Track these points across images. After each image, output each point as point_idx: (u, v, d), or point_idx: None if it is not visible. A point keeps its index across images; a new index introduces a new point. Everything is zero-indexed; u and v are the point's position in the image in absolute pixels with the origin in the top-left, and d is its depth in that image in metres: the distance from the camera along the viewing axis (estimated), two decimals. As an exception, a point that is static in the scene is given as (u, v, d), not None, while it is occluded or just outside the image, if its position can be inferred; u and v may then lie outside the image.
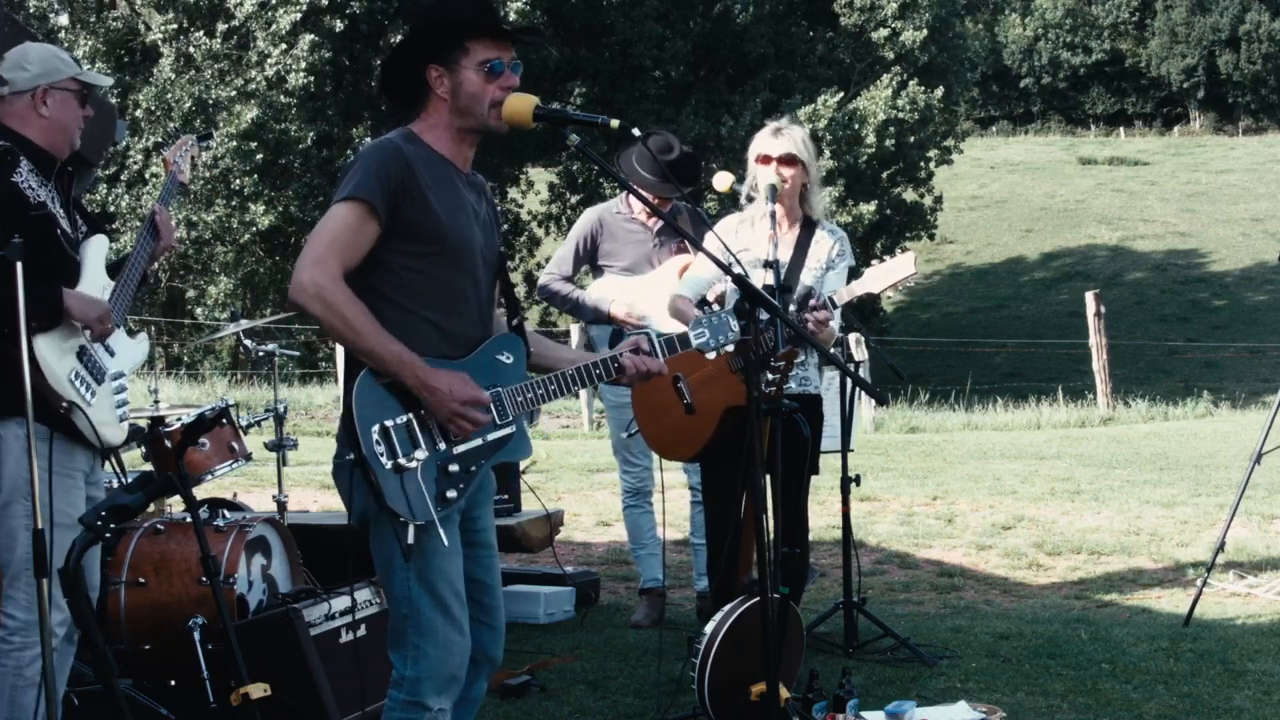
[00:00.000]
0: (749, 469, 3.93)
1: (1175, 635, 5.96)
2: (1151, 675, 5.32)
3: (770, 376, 4.38)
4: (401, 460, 3.21)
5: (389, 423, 3.22)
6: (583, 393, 15.64)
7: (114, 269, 4.22)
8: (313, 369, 21.15)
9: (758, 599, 4.00)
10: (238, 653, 3.85)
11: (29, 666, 3.85)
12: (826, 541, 8.13)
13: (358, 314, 3.20)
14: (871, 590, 7.00)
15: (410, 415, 3.24)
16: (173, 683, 4.85)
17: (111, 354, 4.10)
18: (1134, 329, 30.58)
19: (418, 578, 3.27)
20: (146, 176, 23.87)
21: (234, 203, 23.96)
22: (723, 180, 5.63)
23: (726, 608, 4.60)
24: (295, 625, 4.59)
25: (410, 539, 3.20)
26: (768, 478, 4.26)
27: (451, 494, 3.28)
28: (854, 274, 5.36)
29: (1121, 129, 58.00)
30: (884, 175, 27.61)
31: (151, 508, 5.57)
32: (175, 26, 24.23)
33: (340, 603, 4.83)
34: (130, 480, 3.44)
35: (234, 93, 23.36)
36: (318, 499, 10.08)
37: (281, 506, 6.35)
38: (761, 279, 4.85)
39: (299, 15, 23.21)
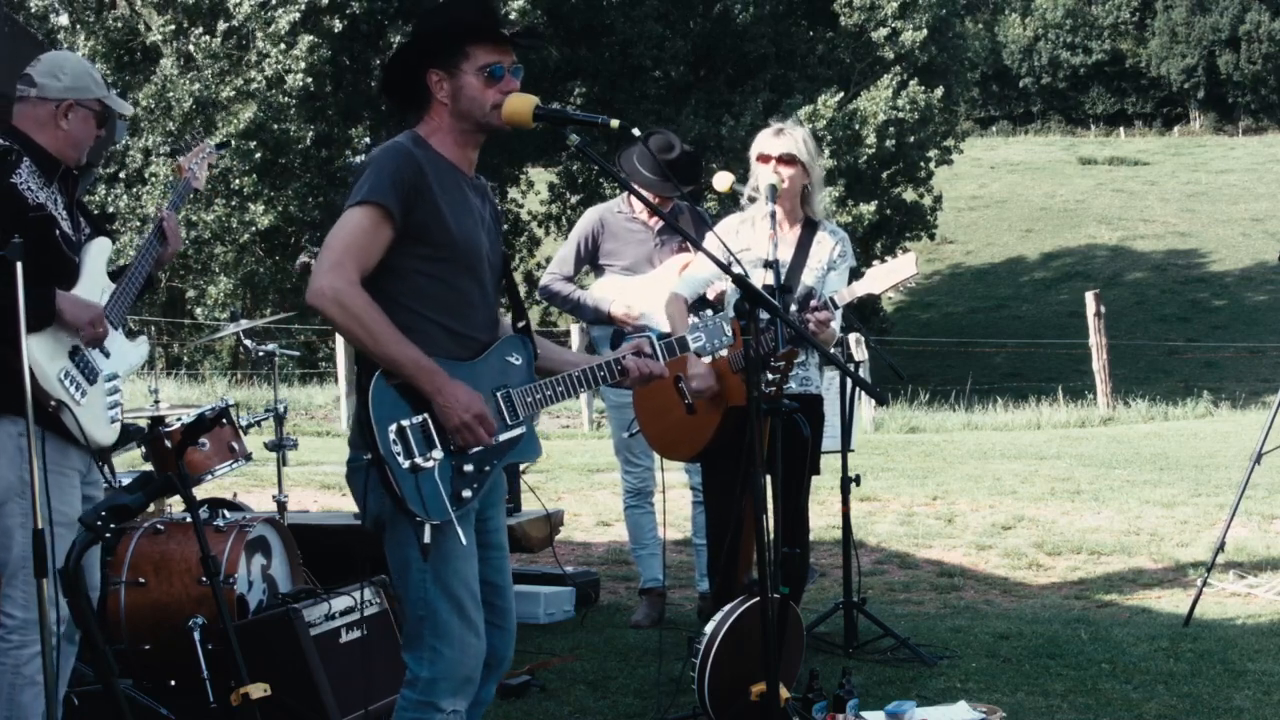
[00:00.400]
0: (749, 469, 3.93)
1: (1175, 635, 5.96)
2: (1151, 675, 5.32)
3: (770, 376, 4.38)
4: (418, 460, 3.23)
5: (405, 423, 3.24)
6: (583, 394, 15.64)
7: (116, 272, 4.23)
8: (313, 369, 21.15)
9: (758, 599, 4.00)
10: (238, 653, 3.85)
11: (27, 665, 3.85)
12: (826, 541, 8.13)
13: (376, 319, 3.21)
14: (871, 590, 7.00)
15: (425, 415, 3.26)
16: (173, 683, 4.85)
17: (106, 355, 4.10)
18: (1134, 329, 30.58)
19: (434, 579, 3.28)
20: (146, 176, 23.86)
21: (233, 202, 23.95)
22: (723, 180, 5.63)
23: (726, 608, 4.60)
24: (295, 625, 4.59)
25: (427, 538, 3.21)
26: (768, 478, 4.26)
27: (467, 493, 3.30)
28: (854, 274, 5.36)
29: (1121, 129, 57.99)
30: (884, 175, 27.59)
31: (151, 508, 5.57)
32: (174, 27, 24.21)
33: (340, 603, 4.83)
34: (125, 481, 3.44)
35: (234, 92, 23.36)
36: (318, 499, 10.08)
37: (281, 506, 6.35)
38: (762, 279, 4.84)
39: (298, 15, 23.21)
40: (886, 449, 13.29)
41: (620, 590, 7.20)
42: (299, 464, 11.39)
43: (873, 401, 13.42)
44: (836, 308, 5.11)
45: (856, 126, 25.93)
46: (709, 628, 4.56)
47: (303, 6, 23.20)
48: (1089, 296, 17.92)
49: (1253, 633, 6.08)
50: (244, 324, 6.79)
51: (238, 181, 23.68)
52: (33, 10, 24.25)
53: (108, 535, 3.25)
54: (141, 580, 4.95)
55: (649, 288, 6.07)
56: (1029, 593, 7.31)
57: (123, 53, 25.30)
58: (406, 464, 3.21)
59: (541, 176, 29.72)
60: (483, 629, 3.37)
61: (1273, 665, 5.45)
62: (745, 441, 3.91)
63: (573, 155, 26.51)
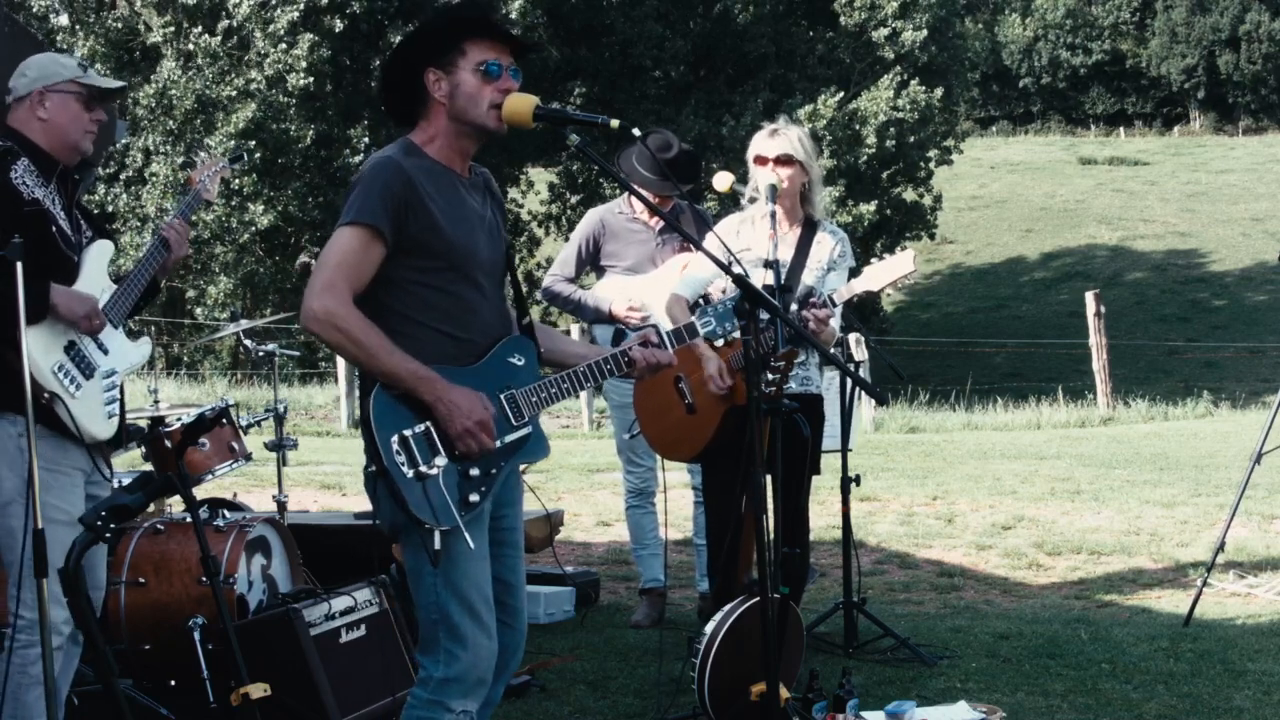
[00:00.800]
0: (749, 469, 3.93)
1: (1175, 635, 5.96)
2: (1151, 675, 5.32)
3: (770, 376, 4.38)
4: (423, 468, 3.23)
5: (408, 432, 3.24)
6: (583, 393, 15.65)
7: (121, 276, 4.23)
8: (313, 369, 21.15)
9: (758, 599, 4.00)
10: (238, 653, 3.85)
11: (34, 665, 3.85)
12: (826, 541, 8.13)
13: (371, 336, 3.22)
14: (871, 590, 7.00)
15: (428, 423, 3.26)
16: (173, 683, 4.85)
17: (105, 351, 4.10)
18: (1134, 329, 30.59)
19: (445, 583, 3.28)
20: (146, 176, 23.86)
21: (233, 202, 23.96)
22: (723, 180, 5.63)
23: (726, 608, 4.60)
24: (295, 625, 4.59)
25: (437, 545, 3.23)
26: (768, 478, 4.26)
27: (474, 498, 3.30)
28: (853, 273, 5.36)
29: (1121, 129, 58.01)
30: (884, 175, 27.61)
31: (151, 508, 5.57)
32: (173, 28, 24.21)
33: (340, 603, 4.83)
34: (125, 481, 3.44)
35: (234, 92, 23.36)
36: (318, 499, 10.08)
37: (281, 506, 6.35)
38: (762, 279, 4.84)
39: (297, 15, 23.21)
40: (886, 449, 13.29)
41: (620, 590, 7.20)
42: (299, 464, 11.40)
43: (873, 401, 13.42)
44: (835, 306, 5.11)
45: (856, 126, 25.94)
46: (709, 628, 4.56)
47: (302, 6, 23.20)
48: (1089, 296, 17.92)
49: (1253, 633, 6.08)
50: (244, 324, 6.79)
51: (238, 181, 23.68)
52: (33, 10, 24.26)
53: (108, 535, 3.25)
54: (141, 580, 4.95)
55: (651, 288, 6.07)
56: (1029, 593, 7.31)
57: (123, 53, 25.29)
58: (410, 473, 3.22)
59: (541, 176, 29.73)
60: (495, 630, 3.38)
61: (1273, 665, 5.45)
62: (745, 441, 3.91)
63: (573, 155, 26.52)
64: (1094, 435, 15.12)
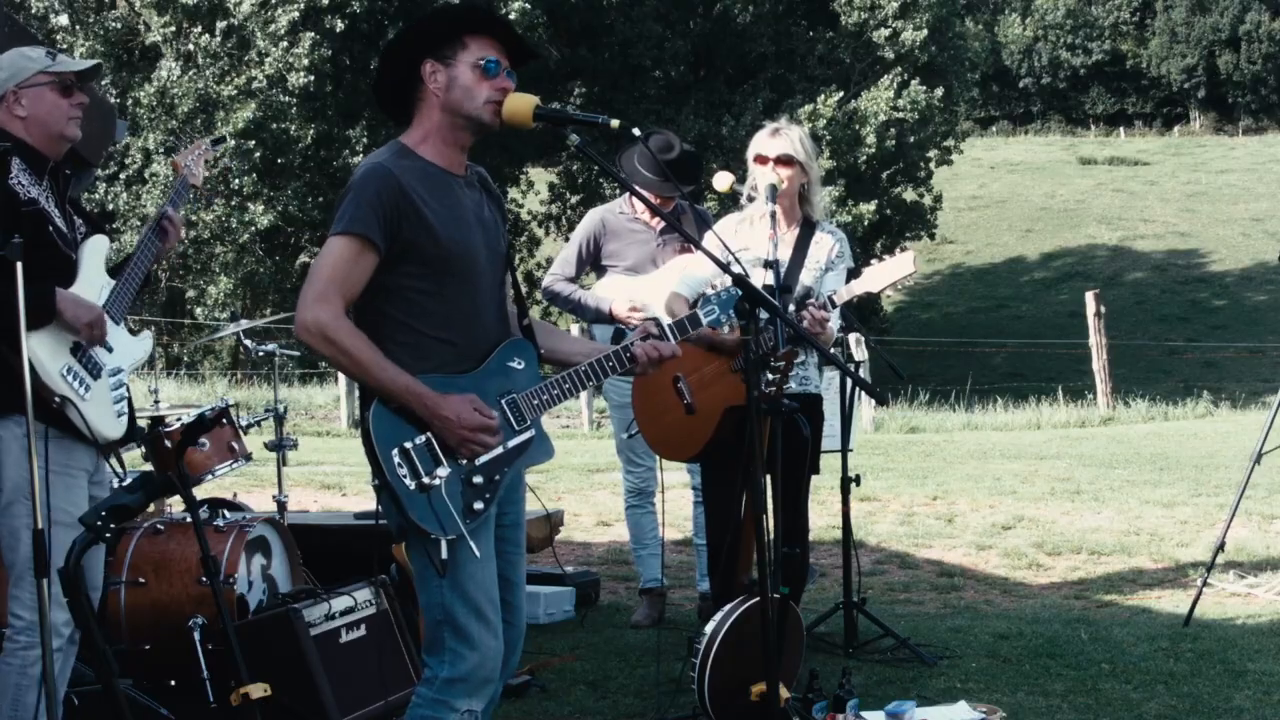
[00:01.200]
0: (749, 469, 3.92)
1: (1175, 635, 5.96)
2: (1151, 675, 5.32)
3: (770, 376, 4.38)
4: (425, 479, 3.23)
5: (408, 444, 3.24)
6: (583, 393, 15.65)
7: (116, 268, 4.21)
8: (313, 369, 21.13)
9: (758, 599, 4.00)
10: (238, 653, 3.85)
11: (34, 666, 3.85)
12: (826, 541, 8.13)
13: (363, 349, 3.21)
14: (871, 590, 7.00)
15: (429, 434, 3.26)
16: (173, 683, 4.85)
17: (109, 350, 4.09)
18: (1134, 329, 30.59)
19: (451, 586, 3.28)
20: (146, 176, 23.85)
21: (233, 202, 23.95)
22: (723, 180, 5.62)
23: (726, 608, 4.60)
24: (295, 625, 4.59)
25: (444, 554, 3.23)
26: (768, 478, 4.26)
27: (478, 505, 3.30)
28: (853, 274, 5.36)
29: (1121, 129, 58.02)
30: (884, 175, 27.60)
31: (151, 508, 5.57)
32: (173, 28, 24.20)
33: (340, 603, 4.83)
34: (130, 480, 3.44)
35: (235, 91, 23.36)
36: (318, 499, 10.09)
37: (281, 506, 6.35)
38: (761, 279, 4.84)
39: (298, 14, 23.20)
40: (886, 449, 13.29)
41: (620, 590, 7.20)
42: (299, 464, 11.40)
43: (873, 401, 13.42)
44: (835, 307, 5.11)
45: (856, 126, 25.93)
46: (709, 628, 4.56)
47: (302, 6, 23.19)
48: (1089, 296, 17.92)
49: (1253, 633, 6.08)
50: (244, 324, 6.79)
51: (238, 181, 23.68)
52: (33, 11, 24.25)
53: (108, 535, 3.25)
54: (141, 580, 4.95)
55: (651, 288, 6.07)
56: (1029, 593, 7.31)
57: (123, 53, 25.29)
58: (413, 484, 3.22)
59: (541, 176, 29.72)
60: (500, 630, 3.38)
61: (1273, 665, 5.45)
62: (745, 441, 3.91)
63: (573, 155, 26.51)
64: (1094, 435, 15.12)
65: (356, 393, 3.37)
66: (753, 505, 3.86)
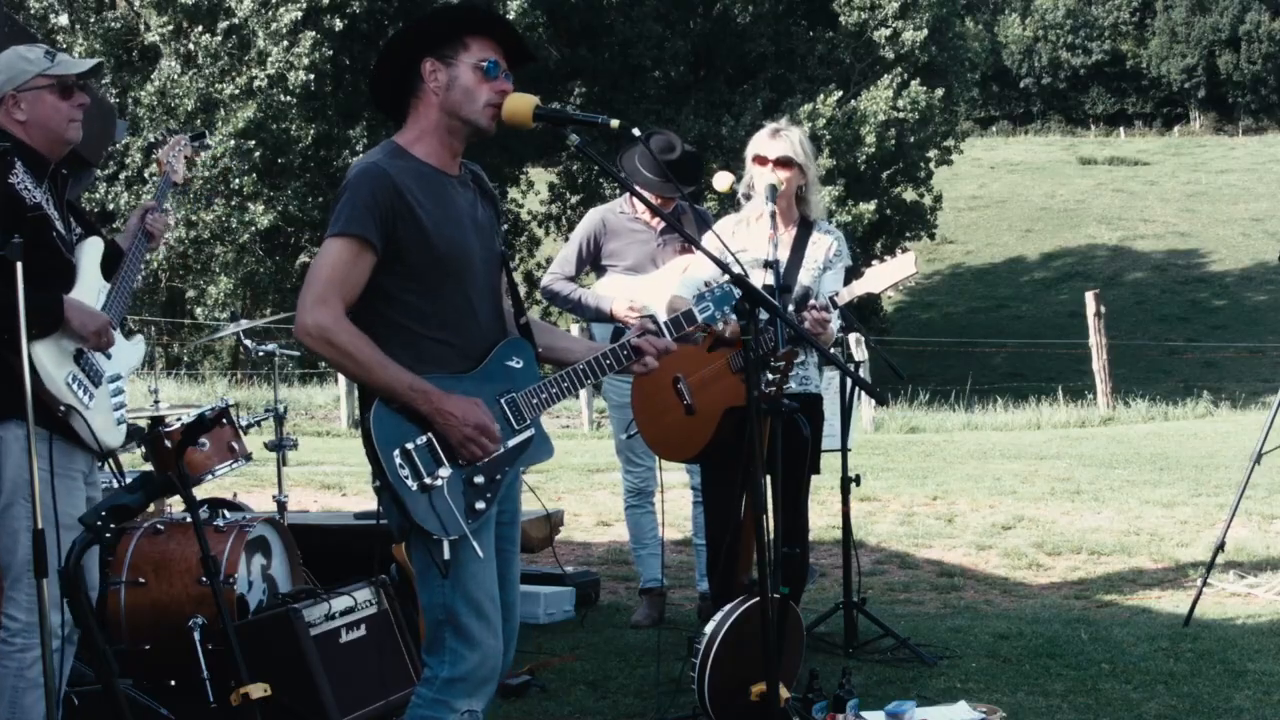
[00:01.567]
0: (749, 469, 3.92)
1: (1175, 635, 5.96)
2: (1151, 675, 5.32)
3: (770, 376, 4.37)
4: (427, 480, 3.23)
5: (410, 445, 3.23)
6: (583, 392, 15.65)
7: (109, 267, 4.19)
8: (313, 369, 21.13)
9: (757, 599, 4.00)
10: (238, 653, 3.85)
11: (30, 668, 3.84)
12: (826, 541, 8.13)
13: (364, 350, 3.21)
14: (871, 590, 7.00)
15: (429, 435, 3.25)
16: (173, 683, 4.85)
17: (108, 356, 4.08)
18: (1134, 329, 30.59)
19: (453, 586, 3.28)
20: (146, 176, 23.84)
21: (233, 202, 23.95)
22: (723, 180, 5.63)
23: (726, 608, 4.60)
24: (295, 625, 4.59)
25: (446, 554, 3.23)
26: (768, 478, 4.26)
27: (480, 505, 3.30)
28: (854, 274, 5.36)
29: (1121, 129, 58.03)
30: (884, 175, 27.60)
31: (151, 508, 5.57)
32: (173, 28, 24.20)
33: (340, 603, 4.83)
34: (130, 480, 3.43)
35: (236, 91, 23.35)
36: (318, 499, 10.09)
37: (281, 506, 6.35)
38: (761, 279, 4.84)
39: (299, 14, 23.20)
40: (886, 449, 13.29)
41: (620, 590, 7.20)
42: (299, 464, 11.40)
43: (873, 401, 13.42)
44: (836, 307, 5.11)
45: (856, 126, 25.92)
46: (709, 628, 4.56)
47: (303, 6, 23.19)
48: (1089, 296, 17.92)
49: (1253, 633, 6.08)
50: (244, 324, 6.79)
51: (238, 181, 23.68)
52: (32, 10, 24.24)
53: (108, 536, 3.25)
54: (141, 580, 4.95)
55: (651, 288, 6.07)
56: (1029, 593, 7.31)
57: (122, 53, 25.29)
58: (415, 485, 3.22)
59: (541, 176, 29.72)
60: (500, 629, 3.38)
61: (1273, 665, 5.45)
62: (745, 441, 3.91)
63: (573, 155, 26.51)
64: (1094, 435, 15.13)
65: (356, 393, 3.36)
66: (753, 505, 3.86)
